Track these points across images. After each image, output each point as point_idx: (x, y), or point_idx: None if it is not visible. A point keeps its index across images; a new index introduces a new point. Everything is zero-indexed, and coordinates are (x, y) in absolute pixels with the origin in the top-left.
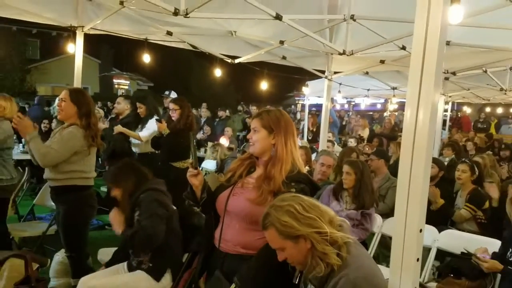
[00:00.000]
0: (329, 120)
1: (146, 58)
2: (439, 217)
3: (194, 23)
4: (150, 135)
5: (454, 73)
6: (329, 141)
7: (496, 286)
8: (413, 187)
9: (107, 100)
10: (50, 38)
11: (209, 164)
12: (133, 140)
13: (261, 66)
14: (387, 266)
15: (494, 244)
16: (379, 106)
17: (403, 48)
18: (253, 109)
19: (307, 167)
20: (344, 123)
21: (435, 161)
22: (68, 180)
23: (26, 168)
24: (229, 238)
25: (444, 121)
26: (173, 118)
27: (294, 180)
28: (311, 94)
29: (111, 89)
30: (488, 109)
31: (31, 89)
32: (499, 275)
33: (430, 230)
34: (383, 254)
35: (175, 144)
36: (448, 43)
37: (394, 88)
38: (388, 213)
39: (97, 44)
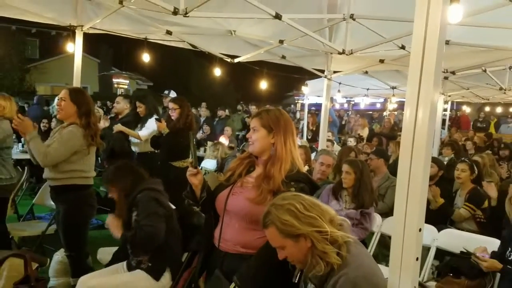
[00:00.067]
0: (329, 119)
1: (146, 57)
2: (439, 217)
3: (193, 22)
4: (149, 135)
5: (453, 73)
6: (328, 140)
7: (495, 285)
8: (412, 186)
9: (106, 99)
10: (50, 38)
11: (209, 164)
12: (132, 140)
13: (261, 66)
14: (387, 265)
15: (493, 243)
16: (378, 106)
17: (403, 47)
18: (253, 108)
19: (306, 167)
20: (343, 122)
21: (434, 160)
22: (68, 180)
23: (26, 168)
24: (229, 238)
25: (444, 121)
26: (172, 118)
27: (294, 179)
28: (310, 93)
29: (111, 88)
30: (487, 109)
31: (31, 88)
32: (498, 274)
33: (430, 229)
34: (383, 253)
35: (175, 144)
36: (447, 42)
37: (393, 88)
38: (387, 213)
39: (96, 44)
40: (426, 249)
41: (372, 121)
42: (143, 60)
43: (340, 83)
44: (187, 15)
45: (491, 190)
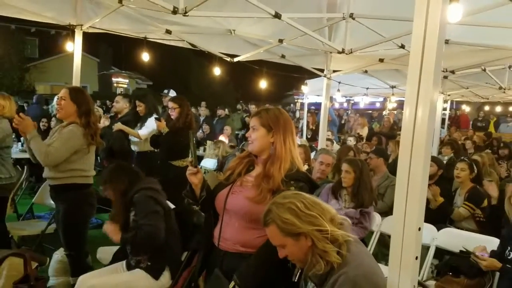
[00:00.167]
0: (328, 118)
1: (145, 56)
2: (438, 216)
3: (193, 21)
4: (149, 134)
5: (453, 72)
6: (328, 139)
7: (495, 285)
8: (412, 185)
9: (106, 98)
10: (49, 37)
11: (209, 163)
12: (132, 139)
13: (260, 65)
14: (386, 264)
15: (492, 242)
16: (378, 105)
17: (402, 46)
18: (252, 107)
19: (306, 166)
20: (343, 121)
21: (434, 159)
22: (67, 179)
23: (25, 167)
24: (229, 237)
25: (443, 120)
26: (172, 117)
27: (293, 178)
28: (310, 92)
29: (110, 87)
30: (487, 108)
31: (30, 87)
32: (497, 273)
33: (429, 228)
34: (382, 252)
35: (174, 143)
36: (447, 41)
37: (393, 87)
38: (387, 212)
39: (96, 43)
40: (425, 248)
41: (372, 120)
42: (143, 59)
43: (339, 82)
44: (187, 14)
45: (492, 189)
